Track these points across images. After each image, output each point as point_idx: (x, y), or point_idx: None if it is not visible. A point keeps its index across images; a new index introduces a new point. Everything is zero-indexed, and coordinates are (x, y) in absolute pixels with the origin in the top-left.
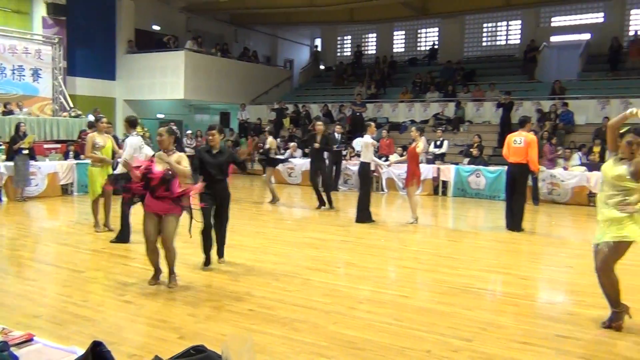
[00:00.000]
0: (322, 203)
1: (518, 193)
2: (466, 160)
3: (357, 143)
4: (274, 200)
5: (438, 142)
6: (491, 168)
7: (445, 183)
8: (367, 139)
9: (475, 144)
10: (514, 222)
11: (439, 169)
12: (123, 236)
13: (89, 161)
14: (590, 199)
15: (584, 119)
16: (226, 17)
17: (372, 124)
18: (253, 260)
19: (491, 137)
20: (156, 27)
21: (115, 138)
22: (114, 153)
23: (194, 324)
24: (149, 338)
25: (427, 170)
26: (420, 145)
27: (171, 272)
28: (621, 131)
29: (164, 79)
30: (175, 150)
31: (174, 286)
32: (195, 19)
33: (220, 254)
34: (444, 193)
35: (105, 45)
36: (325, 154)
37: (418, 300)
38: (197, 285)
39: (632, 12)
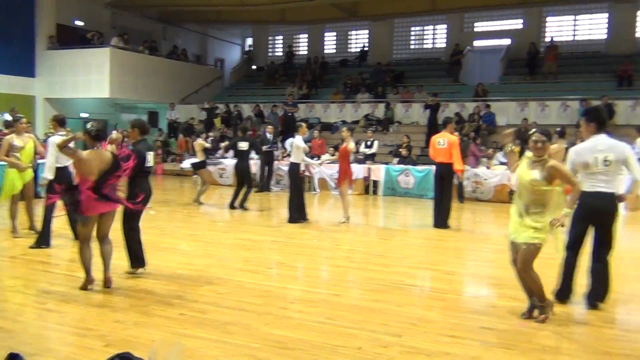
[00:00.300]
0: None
1: (445, 192)
2: (396, 160)
3: (289, 143)
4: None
5: (368, 143)
6: (419, 167)
7: (375, 182)
8: (298, 139)
9: (404, 144)
10: (441, 219)
11: (369, 168)
12: (43, 241)
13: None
14: (511, 196)
15: (505, 120)
16: (154, 14)
17: (304, 124)
18: (184, 264)
19: (419, 138)
20: (79, 23)
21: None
22: (36, 153)
23: (121, 330)
24: (73, 347)
25: (358, 170)
26: (351, 144)
27: (108, 269)
28: (529, 132)
29: (88, 77)
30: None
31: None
32: (121, 15)
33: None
34: (375, 192)
35: (24, 41)
36: (256, 155)
37: (349, 298)
38: (124, 290)
39: (548, 19)
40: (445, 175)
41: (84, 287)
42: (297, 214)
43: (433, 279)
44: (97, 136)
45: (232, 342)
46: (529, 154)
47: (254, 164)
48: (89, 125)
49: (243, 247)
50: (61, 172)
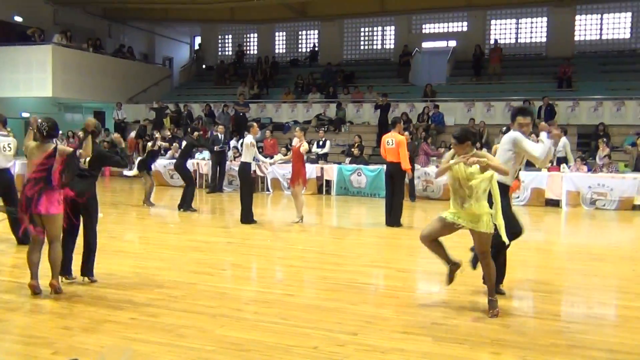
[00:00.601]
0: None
1: (396, 191)
2: (348, 159)
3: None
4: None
5: (320, 142)
6: (371, 167)
7: (328, 182)
8: (249, 139)
9: (356, 144)
10: (393, 218)
11: (322, 168)
12: None
13: None
14: None
15: (452, 120)
16: (98, 10)
17: (255, 124)
18: (135, 267)
19: (371, 137)
20: (18, 19)
21: None
22: None
23: (69, 337)
24: (18, 356)
25: (310, 170)
26: (305, 145)
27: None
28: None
29: (29, 75)
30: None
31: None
32: (63, 11)
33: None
34: (328, 192)
35: None
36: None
37: (304, 298)
38: (70, 295)
39: (492, 22)
40: (395, 175)
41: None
42: (249, 214)
43: (386, 277)
44: (50, 134)
45: (186, 346)
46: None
47: (205, 164)
48: (39, 123)
49: (196, 249)
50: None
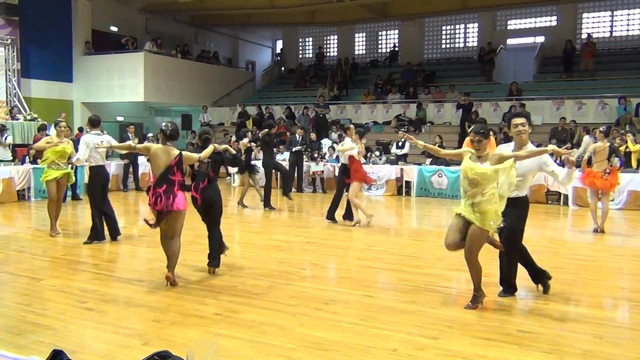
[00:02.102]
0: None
1: None
2: (428, 160)
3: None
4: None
5: (400, 143)
6: (453, 168)
7: (408, 183)
8: (348, 142)
9: (437, 144)
10: None
11: (402, 169)
12: (97, 236)
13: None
14: (548, 197)
15: (540, 119)
16: (186, 18)
17: (352, 126)
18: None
19: (452, 138)
20: (114, 28)
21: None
22: (69, 157)
23: (159, 329)
24: (112, 345)
25: (390, 171)
26: (354, 150)
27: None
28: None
29: (123, 81)
30: None
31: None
32: (154, 20)
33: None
34: (408, 193)
35: (61, 47)
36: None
37: (383, 299)
38: (161, 290)
39: (584, 15)
40: None
41: None
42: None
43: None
44: (171, 136)
45: (267, 343)
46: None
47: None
48: (163, 126)
49: (277, 248)
50: (98, 170)
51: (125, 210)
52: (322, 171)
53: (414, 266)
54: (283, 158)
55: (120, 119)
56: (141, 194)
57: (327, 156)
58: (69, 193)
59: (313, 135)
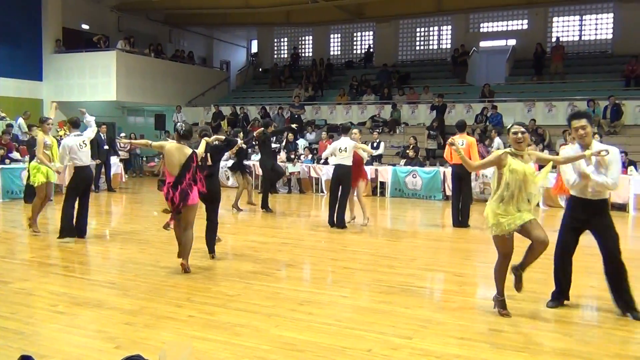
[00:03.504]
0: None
1: (465, 192)
2: (403, 161)
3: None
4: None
5: (375, 144)
6: (427, 169)
7: (383, 184)
8: (352, 143)
9: (411, 146)
10: (463, 219)
11: (376, 170)
12: (68, 232)
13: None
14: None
15: (511, 120)
16: (160, 17)
17: (355, 129)
18: (191, 266)
19: (426, 139)
20: (85, 26)
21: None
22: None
23: (132, 332)
24: (83, 349)
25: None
26: (366, 148)
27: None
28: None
29: (95, 80)
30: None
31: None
32: (127, 18)
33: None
34: (382, 194)
35: (31, 44)
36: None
37: (357, 300)
38: (134, 292)
39: (554, 19)
40: (464, 176)
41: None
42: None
43: (442, 281)
44: (185, 135)
45: (242, 344)
46: (508, 149)
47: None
48: (178, 126)
49: (252, 249)
50: (82, 170)
51: (98, 212)
52: (299, 172)
53: (388, 266)
54: (258, 159)
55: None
56: (113, 194)
57: (302, 157)
58: None
59: (291, 136)
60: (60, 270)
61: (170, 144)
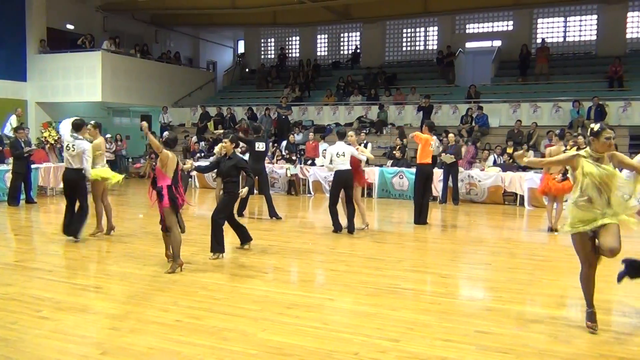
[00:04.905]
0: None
1: (429, 190)
2: (389, 162)
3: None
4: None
5: (362, 145)
6: (413, 169)
7: (370, 185)
8: (351, 148)
9: (398, 146)
10: (423, 217)
11: (363, 171)
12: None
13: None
14: (504, 197)
15: (497, 121)
16: (146, 17)
17: (352, 132)
18: (178, 270)
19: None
20: (70, 27)
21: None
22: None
23: (117, 338)
24: (68, 356)
25: None
26: (366, 152)
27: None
28: (593, 128)
29: (80, 81)
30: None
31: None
32: (112, 18)
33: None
34: (369, 195)
35: (15, 44)
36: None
37: (345, 302)
38: (119, 296)
39: (539, 21)
40: (430, 176)
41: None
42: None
43: (428, 283)
44: (166, 143)
45: (229, 349)
46: (582, 152)
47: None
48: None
49: (238, 252)
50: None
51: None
52: (297, 174)
53: (375, 268)
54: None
55: None
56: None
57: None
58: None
59: (292, 138)
60: (44, 275)
61: (170, 153)
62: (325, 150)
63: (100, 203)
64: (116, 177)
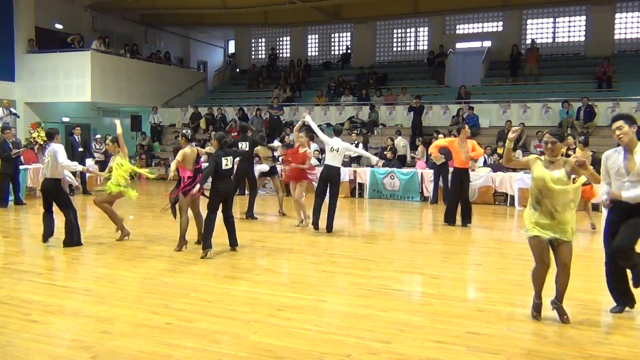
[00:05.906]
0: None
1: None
2: (381, 162)
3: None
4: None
5: (354, 145)
6: (405, 170)
7: (361, 185)
8: (345, 144)
9: (389, 147)
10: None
11: (355, 171)
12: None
13: None
14: (495, 197)
15: (487, 121)
16: (135, 16)
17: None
18: (169, 271)
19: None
20: (59, 26)
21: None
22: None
23: (108, 341)
24: None
25: (343, 173)
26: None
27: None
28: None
29: (69, 81)
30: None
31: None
32: (102, 18)
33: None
34: (361, 195)
35: (3, 44)
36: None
37: (336, 304)
38: (109, 299)
39: (529, 22)
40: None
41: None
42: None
43: (419, 284)
44: (190, 139)
45: (220, 352)
46: (541, 156)
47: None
48: (184, 131)
49: (229, 253)
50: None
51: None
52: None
53: (366, 269)
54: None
55: (66, 119)
56: (88, 197)
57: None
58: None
59: (287, 139)
60: (33, 277)
61: (187, 149)
62: (316, 150)
63: (107, 206)
64: (134, 193)
